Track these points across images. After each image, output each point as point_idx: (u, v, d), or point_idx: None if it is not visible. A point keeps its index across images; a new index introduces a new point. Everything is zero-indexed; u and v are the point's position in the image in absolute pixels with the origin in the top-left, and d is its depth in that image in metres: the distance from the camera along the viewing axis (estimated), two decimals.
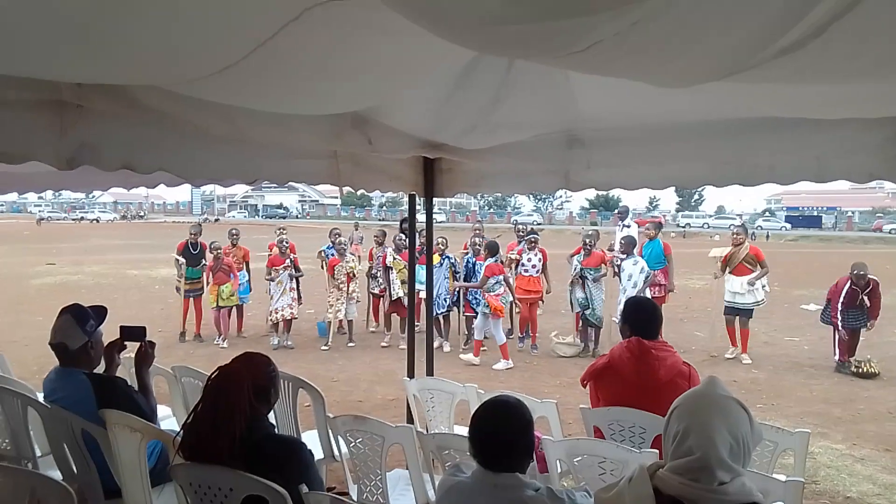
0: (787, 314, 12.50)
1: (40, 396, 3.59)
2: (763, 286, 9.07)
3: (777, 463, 3.21)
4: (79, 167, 2.40)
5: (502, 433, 2.06)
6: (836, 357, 8.67)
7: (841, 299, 8.60)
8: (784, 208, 77.85)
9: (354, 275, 9.88)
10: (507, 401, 2.17)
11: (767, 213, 74.32)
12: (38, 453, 3.76)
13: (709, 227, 56.33)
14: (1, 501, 2.49)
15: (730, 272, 9.10)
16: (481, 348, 9.02)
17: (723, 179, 3.35)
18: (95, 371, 3.37)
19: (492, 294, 8.78)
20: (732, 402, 1.69)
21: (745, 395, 7.35)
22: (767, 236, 46.06)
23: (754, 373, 8.50)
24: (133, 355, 3.49)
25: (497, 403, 2.16)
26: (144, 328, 3.45)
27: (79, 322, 3.26)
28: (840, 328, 8.60)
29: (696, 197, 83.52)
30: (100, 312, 3.38)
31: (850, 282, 8.57)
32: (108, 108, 2.37)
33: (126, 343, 3.44)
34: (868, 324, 8.57)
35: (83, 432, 3.14)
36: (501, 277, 8.90)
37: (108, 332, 3.47)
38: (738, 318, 9.03)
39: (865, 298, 8.46)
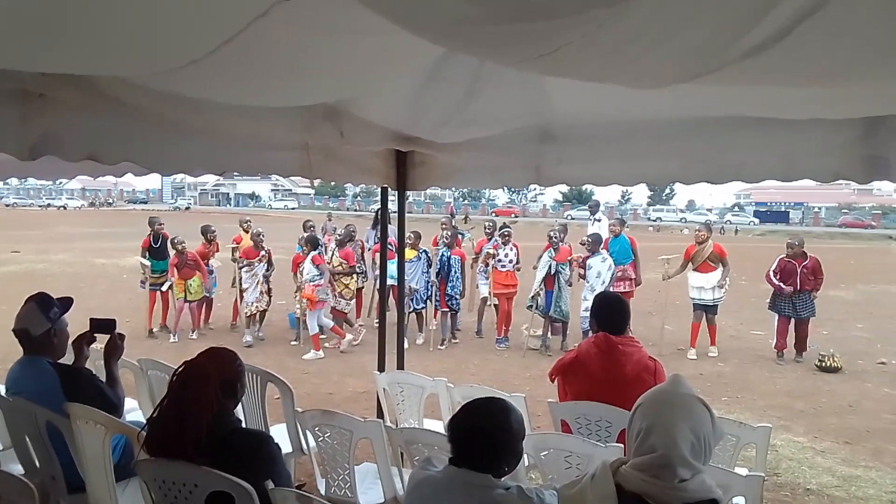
0: (754, 308, 12.71)
1: (2, 389, 3.53)
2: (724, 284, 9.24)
3: (740, 455, 3.28)
4: (40, 157, 2.34)
5: (481, 434, 2.04)
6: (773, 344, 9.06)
7: (773, 269, 8.99)
8: (753, 203, 79.13)
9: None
10: (491, 403, 2.14)
11: (736, 208, 75.47)
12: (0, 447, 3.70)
13: (686, 221, 56.80)
14: None
15: (693, 269, 9.25)
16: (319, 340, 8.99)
17: (692, 177, 3.39)
18: (62, 362, 3.34)
19: (311, 284, 8.84)
20: (695, 401, 1.72)
21: (711, 387, 7.50)
22: (736, 231, 46.83)
23: (720, 366, 8.65)
24: (102, 347, 3.45)
25: (481, 404, 2.14)
26: (114, 320, 3.45)
27: (42, 309, 3.26)
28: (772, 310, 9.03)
29: (667, 191, 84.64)
30: (65, 302, 3.38)
31: (785, 255, 8.99)
32: (72, 98, 2.32)
33: (96, 335, 3.43)
34: (807, 310, 8.83)
35: (47, 424, 3.10)
36: (325, 268, 8.94)
37: (77, 322, 3.46)
38: (704, 314, 9.18)
39: (798, 271, 8.78)
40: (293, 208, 71.10)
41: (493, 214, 52.68)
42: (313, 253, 8.97)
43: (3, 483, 2.45)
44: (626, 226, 10.33)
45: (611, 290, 8.81)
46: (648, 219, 59.66)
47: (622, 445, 2.72)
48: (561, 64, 1.52)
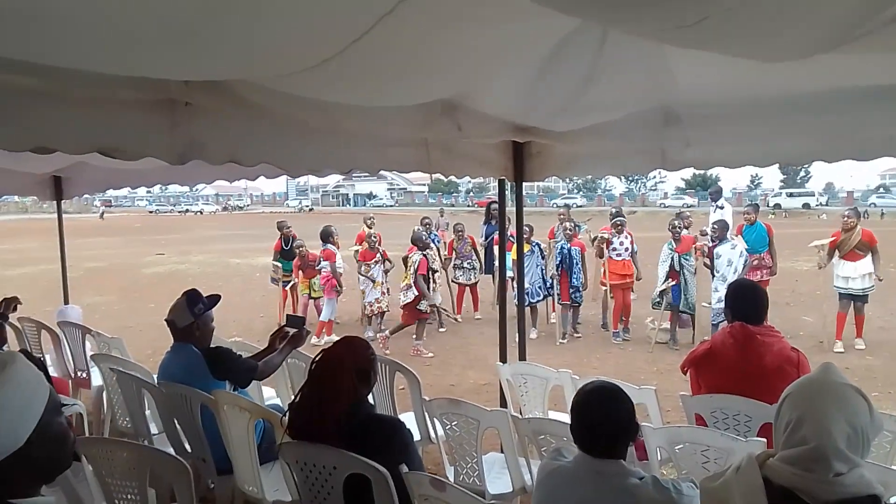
0: None
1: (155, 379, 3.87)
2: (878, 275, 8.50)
3: None
4: (188, 162, 2.53)
5: (608, 420, 2.03)
6: None
7: None
8: None
9: (435, 270, 9.75)
10: (610, 387, 2.13)
11: (882, 190, 69.18)
12: (154, 431, 4.05)
13: (818, 205, 53.80)
14: (126, 475, 2.69)
15: (840, 257, 8.57)
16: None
17: (834, 154, 3.13)
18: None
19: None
20: (850, 390, 1.60)
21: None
22: (882, 214, 42.97)
23: (868, 359, 7.99)
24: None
25: (601, 389, 2.12)
26: (304, 318, 4.21)
27: (189, 304, 3.65)
28: None
29: (801, 174, 78.69)
30: (213, 299, 3.79)
31: None
32: (214, 105, 2.49)
33: (288, 329, 3.96)
34: None
35: (201, 407, 3.39)
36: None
37: (217, 318, 3.86)
38: (852, 304, 8.50)
39: None
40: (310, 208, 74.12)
41: (475, 205, 52.50)
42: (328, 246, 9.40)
43: (161, 463, 2.67)
44: (759, 211, 9.74)
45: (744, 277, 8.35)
46: (775, 205, 56.22)
47: (764, 440, 2.57)
48: (699, 37, 1.46)
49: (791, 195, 56.14)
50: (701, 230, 9.81)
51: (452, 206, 62.28)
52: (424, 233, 9.65)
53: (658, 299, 8.93)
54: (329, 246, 9.56)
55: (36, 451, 1.37)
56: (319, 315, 10.01)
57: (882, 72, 2.54)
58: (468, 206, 61.86)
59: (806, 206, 52.20)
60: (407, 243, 9.43)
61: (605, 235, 9.50)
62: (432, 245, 10.04)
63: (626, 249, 9.36)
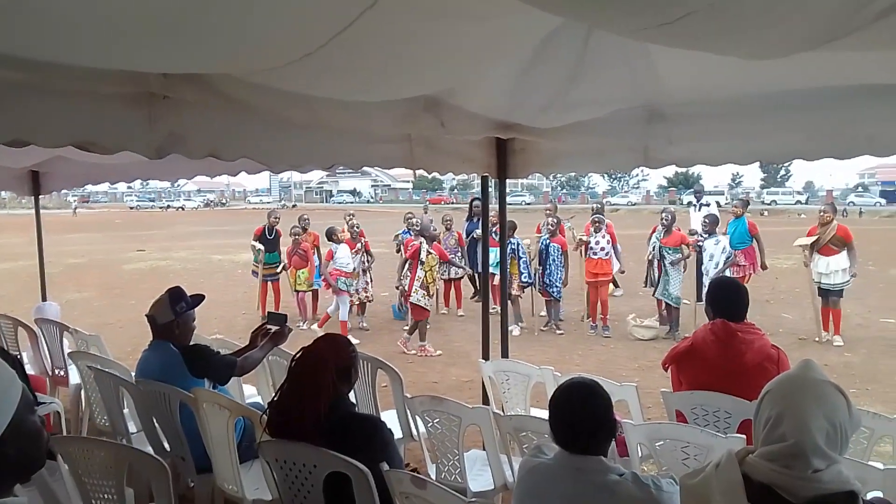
0: (883, 294, 11.80)
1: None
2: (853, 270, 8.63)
3: (873, 451, 3.06)
4: (167, 156, 2.49)
5: (586, 416, 2.03)
6: None
7: None
8: (878, 182, 73.14)
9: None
10: (588, 383, 2.13)
11: (860, 189, 70.09)
12: (133, 430, 4.00)
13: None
14: (103, 474, 2.65)
15: (816, 251, 8.71)
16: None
17: (815, 152, 3.15)
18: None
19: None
20: (829, 387, 1.61)
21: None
22: (860, 213, 43.55)
23: (847, 356, 8.08)
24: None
25: (579, 386, 2.12)
26: (286, 315, 4.10)
27: (171, 302, 3.60)
28: None
29: (782, 172, 79.50)
30: (196, 298, 3.74)
31: None
32: (194, 99, 2.46)
33: (269, 326, 3.90)
34: None
35: (180, 405, 3.34)
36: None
37: (198, 315, 3.78)
38: (828, 298, 8.63)
39: None
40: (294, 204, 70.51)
41: (427, 203, 53.33)
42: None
43: (139, 461, 2.64)
44: (748, 207, 9.85)
45: (726, 274, 8.45)
46: (762, 202, 56.78)
47: (744, 437, 2.59)
48: (683, 34, 1.45)
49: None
50: (689, 230, 9.91)
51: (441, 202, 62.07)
52: (432, 225, 9.63)
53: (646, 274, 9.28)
54: (332, 246, 9.37)
55: (9, 449, 1.34)
56: (301, 309, 9.96)
57: (865, 70, 2.56)
58: (452, 203, 61.57)
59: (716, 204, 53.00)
60: (385, 239, 9.41)
61: (584, 238, 9.57)
62: (437, 238, 9.97)
63: (602, 249, 9.42)
